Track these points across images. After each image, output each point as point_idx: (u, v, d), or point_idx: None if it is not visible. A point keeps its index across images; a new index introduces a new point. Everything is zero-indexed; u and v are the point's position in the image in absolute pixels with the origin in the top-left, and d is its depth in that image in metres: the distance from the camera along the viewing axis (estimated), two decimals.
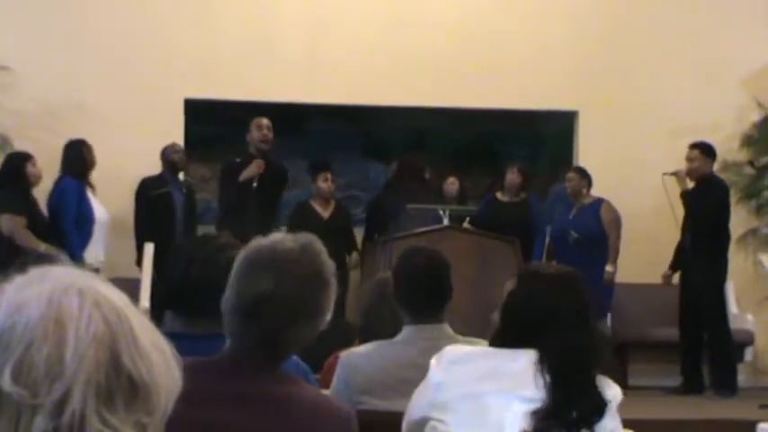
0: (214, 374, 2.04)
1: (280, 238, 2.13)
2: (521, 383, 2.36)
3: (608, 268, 7.87)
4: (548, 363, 2.37)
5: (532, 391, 2.35)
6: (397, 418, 2.62)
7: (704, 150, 7.84)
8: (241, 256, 2.11)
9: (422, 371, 2.52)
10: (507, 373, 2.38)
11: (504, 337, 2.48)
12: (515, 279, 2.58)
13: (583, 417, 2.36)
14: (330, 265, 2.12)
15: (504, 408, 2.34)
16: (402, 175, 8.76)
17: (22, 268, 1.09)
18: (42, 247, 6.77)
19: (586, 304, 2.52)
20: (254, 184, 7.46)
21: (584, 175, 8.12)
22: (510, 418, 2.34)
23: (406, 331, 3.26)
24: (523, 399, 2.35)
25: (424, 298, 3.23)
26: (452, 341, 2.96)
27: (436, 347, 2.58)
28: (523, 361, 2.38)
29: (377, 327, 3.50)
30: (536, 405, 2.34)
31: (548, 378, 2.35)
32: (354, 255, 8.42)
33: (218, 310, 2.12)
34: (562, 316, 2.44)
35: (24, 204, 7.06)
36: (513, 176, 8.45)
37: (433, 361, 2.44)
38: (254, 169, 7.45)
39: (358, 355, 3.31)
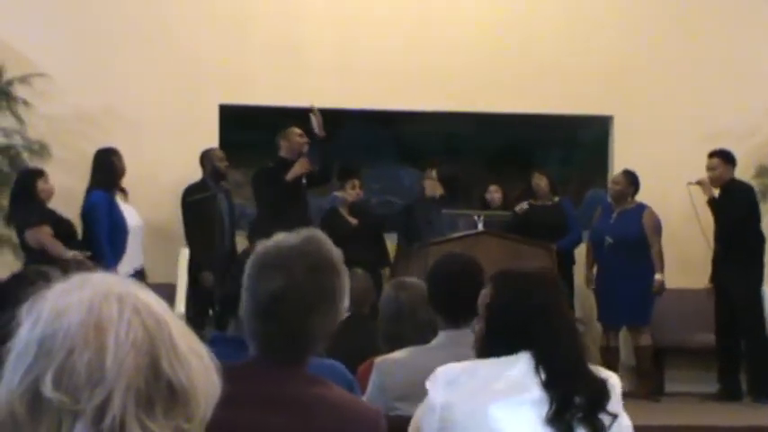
0: (242, 379, 2.04)
1: (282, 236, 2.14)
2: (524, 388, 2.35)
3: (657, 277, 7.81)
4: (543, 361, 2.37)
5: (537, 393, 2.35)
6: None
7: (724, 157, 7.90)
8: (250, 261, 2.13)
9: None
10: (508, 380, 2.37)
11: (493, 344, 2.46)
12: (491, 285, 2.57)
13: (591, 401, 2.35)
14: (337, 252, 2.13)
15: (513, 416, 2.33)
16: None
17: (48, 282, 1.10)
18: (70, 254, 6.58)
19: (563, 296, 2.55)
20: (304, 181, 7.71)
21: (632, 181, 8.06)
22: (522, 426, 2.33)
23: (441, 337, 3.25)
24: (530, 402, 2.34)
25: (458, 304, 3.22)
26: None
27: (471, 353, 2.58)
28: (520, 365, 2.38)
29: (397, 329, 3.55)
30: (543, 406, 2.33)
31: (544, 376, 2.35)
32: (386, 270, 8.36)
33: None
34: (545, 312, 2.44)
35: (43, 214, 6.99)
36: (538, 182, 8.35)
37: (429, 384, 2.41)
38: (299, 168, 7.66)
39: (393, 361, 3.31)
